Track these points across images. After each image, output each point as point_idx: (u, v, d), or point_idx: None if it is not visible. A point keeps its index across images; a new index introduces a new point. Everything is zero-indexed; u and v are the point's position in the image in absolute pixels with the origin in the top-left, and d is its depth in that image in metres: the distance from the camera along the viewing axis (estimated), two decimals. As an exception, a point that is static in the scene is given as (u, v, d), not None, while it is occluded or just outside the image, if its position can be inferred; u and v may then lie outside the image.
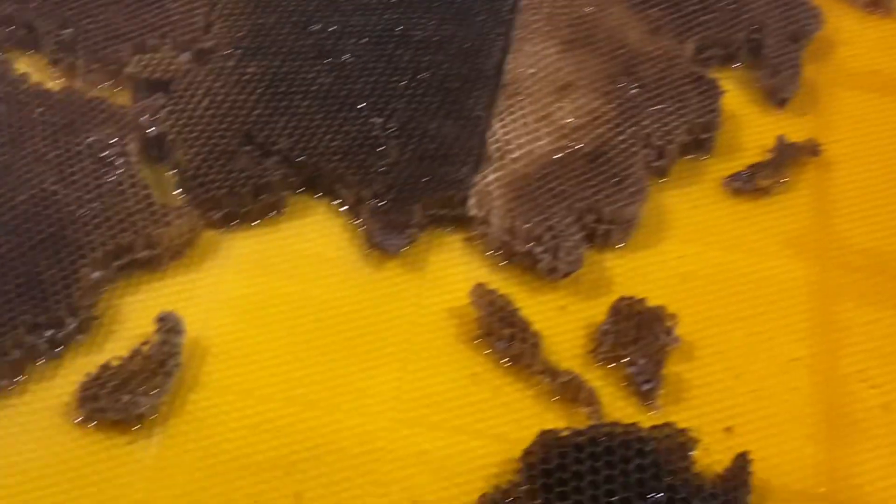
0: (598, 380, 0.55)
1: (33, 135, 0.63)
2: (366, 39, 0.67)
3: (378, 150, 0.63)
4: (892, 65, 0.73)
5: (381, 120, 0.63)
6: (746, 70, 0.70)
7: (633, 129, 0.63)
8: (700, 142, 0.64)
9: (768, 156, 0.64)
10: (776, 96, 0.67)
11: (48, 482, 0.54)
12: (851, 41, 0.74)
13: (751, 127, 0.68)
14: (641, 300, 0.57)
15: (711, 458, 0.52)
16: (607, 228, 0.60)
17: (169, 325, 0.55)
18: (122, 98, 0.66)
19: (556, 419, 0.54)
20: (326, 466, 0.54)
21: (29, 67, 0.68)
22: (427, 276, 0.61)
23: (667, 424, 0.51)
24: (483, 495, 0.51)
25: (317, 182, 0.63)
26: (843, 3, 0.75)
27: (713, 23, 0.68)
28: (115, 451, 0.54)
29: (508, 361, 0.56)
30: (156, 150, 0.63)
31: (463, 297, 0.58)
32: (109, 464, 0.54)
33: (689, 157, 0.64)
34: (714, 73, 0.68)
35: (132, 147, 0.62)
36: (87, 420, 0.55)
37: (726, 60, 0.69)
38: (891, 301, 0.61)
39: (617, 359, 0.55)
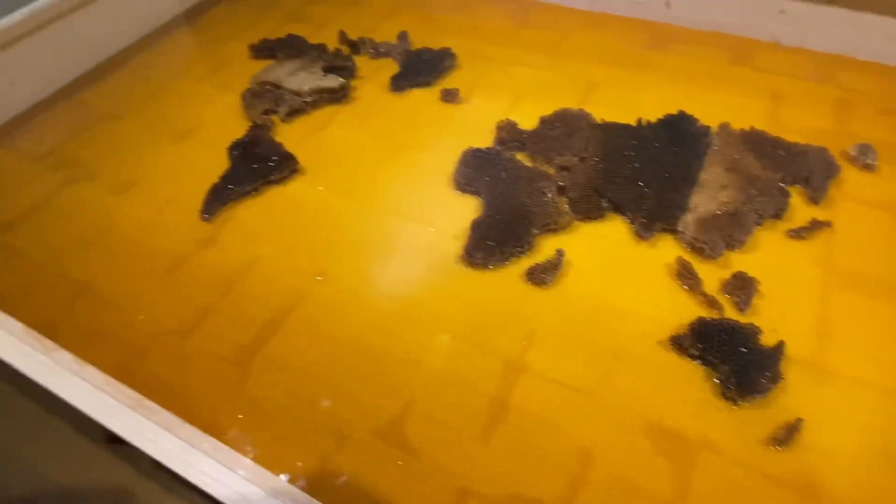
0: (724, 301, 0.53)
1: (519, 182, 0.62)
2: (646, 158, 0.63)
3: (644, 200, 0.60)
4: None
5: (648, 190, 0.60)
6: (801, 189, 0.62)
7: (751, 206, 0.59)
8: (778, 214, 0.59)
9: (807, 224, 0.58)
10: (815, 201, 0.61)
11: (505, 307, 0.53)
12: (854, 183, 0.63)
13: (798, 210, 0.60)
14: (745, 273, 0.54)
15: (766, 340, 0.49)
16: (734, 243, 0.57)
17: (560, 253, 0.56)
18: (550, 171, 0.63)
19: (705, 313, 0.52)
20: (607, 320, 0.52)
21: (519, 157, 0.66)
22: (658, 248, 0.58)
23: (749, 323, 0.50)
24: (672, 336, 0.50)
25: (618, 209, 0.60)
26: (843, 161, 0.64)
27: (791, 167, 0.62)
28: (536, 294, 0.54)
29: (687, 288, 0.54)
30: (562, 192, 0.62)
31: (671, 260, 0.56)
32: (534, 298, 0.54)
33: (771, 219, 0.59)
34: (788, 188, 0.61)
35: (554, 188, 0.61)
36: (528, 282, 0.55)
37: (794, 183, 0.62)
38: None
39: (732, 293, 0.53)
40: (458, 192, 0.64)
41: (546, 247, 0.58)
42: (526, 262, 0.57)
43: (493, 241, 0.57)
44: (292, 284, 0.56)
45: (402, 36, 0.84)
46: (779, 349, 0.48)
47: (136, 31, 0.87)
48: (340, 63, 0.78)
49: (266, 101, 0.75)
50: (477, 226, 0.59)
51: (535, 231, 0.58)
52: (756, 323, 0.50)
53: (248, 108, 0.75)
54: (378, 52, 0.82)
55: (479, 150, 0.66)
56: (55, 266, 0.59)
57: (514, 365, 0.49)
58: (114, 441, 0.40)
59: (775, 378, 0.47)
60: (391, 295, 0.55)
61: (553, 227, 0.59)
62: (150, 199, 0.65)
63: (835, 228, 0.58)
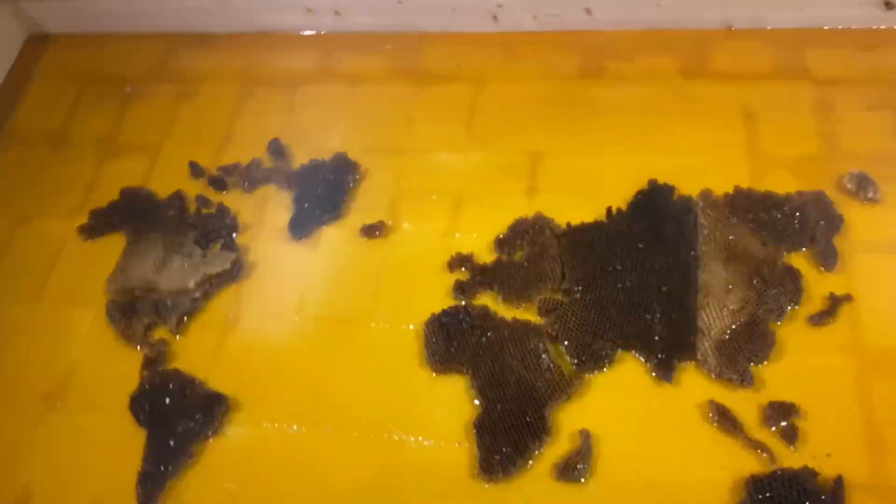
0: (769, 439, 0.51)
1: (505, 345, 0.57)
2: (634, 268, 0.59)
3: (651, 331, 0.56)
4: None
5: (650, 315, 0.57)
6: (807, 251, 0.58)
7: (765, 306, 0.56)
8: (795, 301, 0.56)
9: (827, 303, 0.55)
10: (827, 268, 0.57)
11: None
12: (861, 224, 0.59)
13: (813, 283, 0.57)
14: (781, 401, 0.52)
15: (824, 471, 0.49)
16: (759, 359, 0.54)
17: (586, 436, 0.53)
18: (533, 315, 0.59)
19: (754, 460, 0.50)
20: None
21: (488, 302, 0.59)
22: (683, 384, 0.55)
23: (804, 467, 0.49)
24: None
25: (626, 346, 0.57)
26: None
27: (791, 232, 0.59)
28: (575, 492, 0.52)
29: (728, 433, 0.52)
30: (554, 339, 0.57)
31: (702, 399, 0.53)
32: (575, 498, 0.51)
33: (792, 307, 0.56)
34: (794, 256, 0.57)
35: (547, 344, 0.57)
36: (562, 480, 0.52)
37: (800, 247, 0.58)
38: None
39: (775, 425, 0.52)
40: (437, 374, 0.57)
41: (563, 422, 0.54)
42: (550, 452, 0.53)
43: (507, 447, 0.52)
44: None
45: (275, 147, 0.69)
46: (839, 487, 0.47)
47: None
48: (215, 223, 0.64)
49: (143, 313, 0.62)
50: (481, 429, 0.53)
51: (548, 411, 0.54)
52: (808, 451, 0.49)
53: (123, 333, 0.62)
54: (253, 180, 0.67)
55: (442, 315, 0.58)
56: None
57: None
58: None
59: (844, 523, 0.44)
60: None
61: (565, 398, 0.54)
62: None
63: (856, 298, 0.54)
